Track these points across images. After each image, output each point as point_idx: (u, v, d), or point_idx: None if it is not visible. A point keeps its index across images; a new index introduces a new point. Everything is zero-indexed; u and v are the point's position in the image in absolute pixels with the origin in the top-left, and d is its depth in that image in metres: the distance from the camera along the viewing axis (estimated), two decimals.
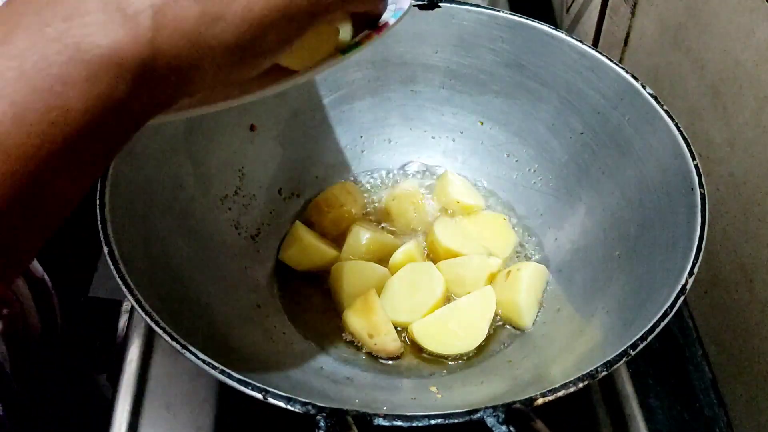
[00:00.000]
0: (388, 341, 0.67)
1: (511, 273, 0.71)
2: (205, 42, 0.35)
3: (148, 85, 0.34)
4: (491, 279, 0.73)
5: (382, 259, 0.74)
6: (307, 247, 0.74)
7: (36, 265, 0.73)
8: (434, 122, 0.83)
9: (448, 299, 0.72)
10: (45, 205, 0.33)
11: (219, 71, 0.37)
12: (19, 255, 0.34)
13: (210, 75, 0.37)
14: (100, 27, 0.32)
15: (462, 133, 0.83)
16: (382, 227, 0.79)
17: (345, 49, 0.49)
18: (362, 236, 0.75)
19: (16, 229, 0.33)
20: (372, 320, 0.68)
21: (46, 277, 0.74)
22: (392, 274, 0.73)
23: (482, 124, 0.81)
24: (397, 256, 0.74)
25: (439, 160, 0.84)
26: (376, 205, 0.82)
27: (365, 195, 0.82)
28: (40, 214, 0.33)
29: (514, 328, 0.71)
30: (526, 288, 0.70)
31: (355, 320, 0.68)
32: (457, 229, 0.77)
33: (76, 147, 0.32)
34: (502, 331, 0.70)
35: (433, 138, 0.84)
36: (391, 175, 0.84)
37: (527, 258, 0.76)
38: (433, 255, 0.75)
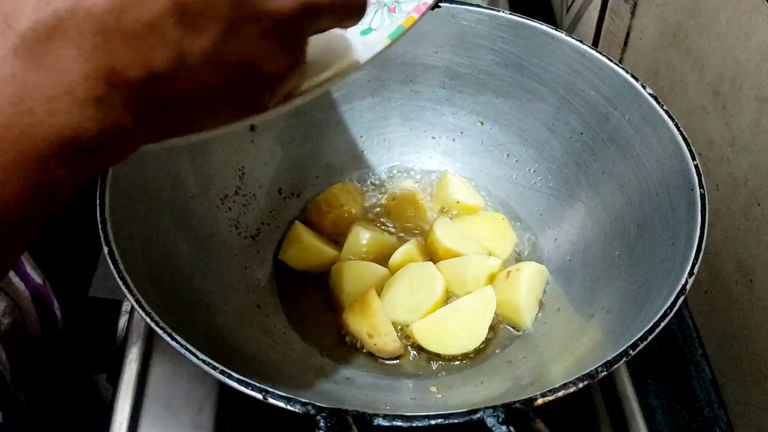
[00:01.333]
0: (387, 341, 0.67)
1: (511, 273, 0.71)
2: (145, 123, 0.36)
3: (85, 165, 0.34)
4: (491, 279, 0.73)
5: (382, 259, 0.74)
6: (307, 247, 0.74)
7: (35, 271, 0.73)
8: (434, 122, 0.83)
9: (448, 299, 0.72)
10: None
11: (155, 140, 0.38)
12: None
13: (144, 143, 0.38)
14: (47, 115, 0.32)
15: (462, 133, 0.83)
16: (382, 227, 0.79)
17: (392, 34, 0.49)
18: (362, 236, 0.75)
19: None
20: (371, 320, 0.67)
21: (46, 282, 0.74)
22: (392, 274, 0.73)
23: (482, 124, 0.81)
24: (397, 256, 0.74)
25: (439, 160, 0.84)
26: (376, 204, 0.82)
27: (365, 195, 0.82)
28: None
29: (514, 328, 0.70)
30: (526, 288, 0.70)
31: (354, 320, 0.68)
32: (457, 229, 0.77)
33: (5, 227, 0.33)
34: (502, 331, 0.70)
35: (433, 138, 0.84)
36: (391, 175, 0.84)
37: (527, 258, 0.76)
38: (433, 255, 0.75)
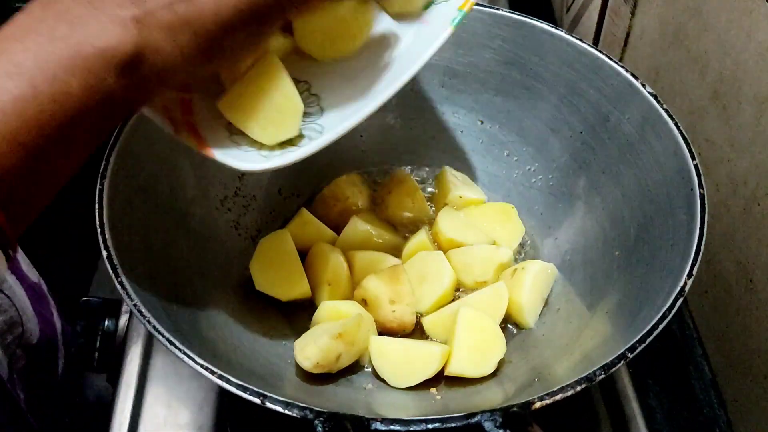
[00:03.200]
0: (407, 312, 0.68)
1: (516, 271, 0.71)
2: (179, 43, 0.43)
3: (131, 78, 0.42)
4: (501, 269, 0.73)
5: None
6: (310, 222, 0.76)
7: (31, 270, 0.73)
8: (434, 121, 0.83)
9: (456, 288, 0.73)
10: (43, 173, 0.41)
11: (193, 65, 0.45)
12: (28, 200, 0.41)
13: (185, 70, 0.45)
14: (96, 33, 0.40)
15: (462, 132, 0.83)
16: (381, 218, 0.79)
17: (454, 19, 0.54)
18: (360, 228, 0.76)
19: (20, 190, 0.40)
20: (398, 288, 0.68)
21: (41, 281, 0.75)
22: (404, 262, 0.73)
23: (482, 122, 0.81)
24: (409, 246, 0.74)
25: (439, 159, 0.84)
26: (374, 197, 0.82)
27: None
28: (39, 181, 0.41)
29: (516, 326, 0.70)
30: (530, 287, 0.69)
31: (378, 285, 0.68)
32: (462, 221, 0.77)
33: (74, 124, 0.40)
34: (504, 330, 0.70)
35: (433, 137, 0.84)
36: (390, 175, 0.83)
37: (526, 257, 0.76)
38: (438, 246, 0.76)
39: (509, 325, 0.71)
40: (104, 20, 0.41)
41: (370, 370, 0.66)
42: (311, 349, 0.62)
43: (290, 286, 0.71)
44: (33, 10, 0.42)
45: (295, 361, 0.63)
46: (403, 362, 0.65)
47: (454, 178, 0.81)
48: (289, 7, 0.46)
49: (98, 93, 0.41)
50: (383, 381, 0.65)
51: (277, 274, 0.71)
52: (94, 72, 0.40)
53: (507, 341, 0.68)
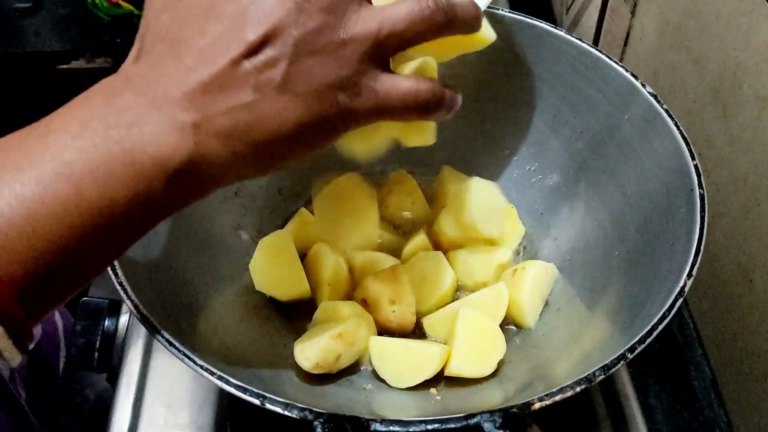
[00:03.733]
0: (407, 312, 0.68)
1: (517, 271, 0.71)
2: (235, 151, 0.41)
3: (180, 184, 0.40)
4: (501, 270, 0.73)
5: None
6: (308, 223, 0.75)
7: None
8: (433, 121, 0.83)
9: (456, 289, 0.73)
10: (72, 274, 0.39)
11: (245, 172, 0.43)
12: (53, 299, 0.40)
13: (237, 176, 0.44)
14: (152, 137, 0.39)
15: (461, 131, 0.82)
16: (383, 220, 0.79)
17: None
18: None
19: (46, 289, 0.38)
20: (398, 288, 0.68)
21: None
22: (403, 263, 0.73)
23: (482, 123, 0.81)
24: (410, 247, 0.74)
25: (439, 160, 0.84)
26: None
27: None
28: (68, 281, 0.40)
29: (516, 327, 0.70)
30: (530, 287, 0.69)
31: (378, 285, 0.68)
32: (462, 221, 0.77)
33: (112, 230, 0.39)
34: (504, 330, 0.70)
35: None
36: (390, 175, 0.83)
37: (526, 257, 0.76)
38: (438, 246, 0.76)
39: (509, 325, 0.71)
40: (162, 124, 0.39)
41: (370, 370, 0.66)
42: (311, 349, 0.62)
43: (290, 286, 0.71)
44: (94, 101, 0.40)
45: (295, 362, 0.63)
46: (403, 362, 0.65)
47: (454, 178, 0.81)
48: (352, 123, 0.45)
49: (144, 199, 0.39)
50: (383, 381, 0.65)
51: (277, 274, 0.71)
52: (144, 180, 0.39)
53: (507, 341, 0.68)
